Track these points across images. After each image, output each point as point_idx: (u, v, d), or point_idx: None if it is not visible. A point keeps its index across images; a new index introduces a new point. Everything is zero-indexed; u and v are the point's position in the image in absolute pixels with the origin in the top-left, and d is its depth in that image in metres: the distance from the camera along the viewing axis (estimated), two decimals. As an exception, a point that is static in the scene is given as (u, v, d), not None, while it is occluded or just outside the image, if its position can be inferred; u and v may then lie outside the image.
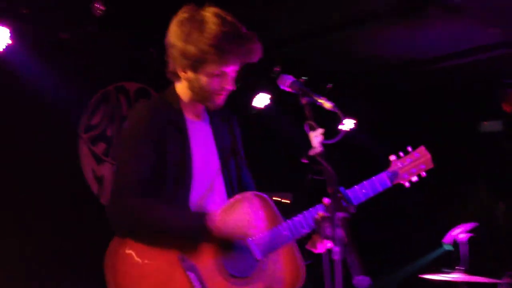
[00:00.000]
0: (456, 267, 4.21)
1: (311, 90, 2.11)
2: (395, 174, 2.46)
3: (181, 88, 2.41)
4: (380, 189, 2.42)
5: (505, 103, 6.06)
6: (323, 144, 1.83)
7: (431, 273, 4.33)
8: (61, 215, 4.70)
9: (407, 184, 2.50)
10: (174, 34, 2.30)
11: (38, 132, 4.64)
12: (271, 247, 2.28)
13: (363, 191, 2.40)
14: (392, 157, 2.50)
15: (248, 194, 2.38)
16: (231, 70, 2.31)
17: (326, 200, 2.29)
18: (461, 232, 4.36)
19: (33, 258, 4.47)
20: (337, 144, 1.94)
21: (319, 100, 2.05)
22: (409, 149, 2.52)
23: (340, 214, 1.44)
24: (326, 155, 1.76)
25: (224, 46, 2.21)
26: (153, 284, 2.16)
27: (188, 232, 2.20)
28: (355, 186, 2.40)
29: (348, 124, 6.67)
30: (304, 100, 2.08)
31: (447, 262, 4.49)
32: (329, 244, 2.41)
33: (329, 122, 2.19)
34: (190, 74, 2.31)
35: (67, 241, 4.69)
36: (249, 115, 5.95)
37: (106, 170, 5.18)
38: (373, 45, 5.53)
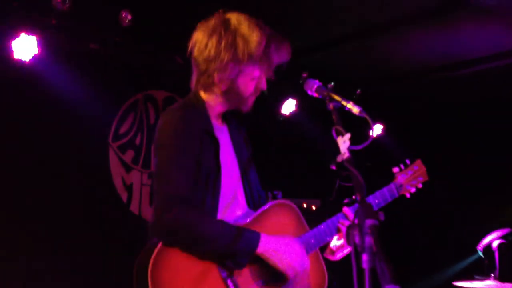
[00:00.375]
0: (491, 274, 4.11)
1: (339, 95, 2.07)
2: (400, 186, 2.59)
3: (209, 96, 2.41)
4: (389, 200, 2.55)
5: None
6: (351, 150, 1.79)
7: (464, 280, 4.24)
8: (91, 223, 4.76)
9: (408, 195, 2.63)
10: (214, 47, 2.29)
11: (67, 141, 4.70)
12: (306, 250, 2.33)
13: (376, 201, 2.53)
14: (395, 170, 2.62)
15: (276, 203, 2.41)
16: (267, 72, 2.39)
17: (345, 210, 2.44)
18: (495, 239, 4.26)
19: (64, 266, 4.53)
20: (367, 151, 1.91)
21: (347, 105, 2.02)
22: (408, 162, 2.65)
23: (369, 221, 1.41)
24: (355, 161, 1.73)
25: (270, 49, 2.30)
26: None
27: (238, 250, 2.18)
28: (370, 195, 2.51)
29: (376, 130, 6.61)
30: (331, 105, 2.05)
31: (481, 269, 4.39)
32: (346, 251, 2.47)
33: (359, 127, 2.18)
34: (229, 83, 2.33)
35: (98, 248, 4.74)
36: (277, 121, 5.95)
37: (135, 178, 5.22)
38: (403, 50, 5.46)
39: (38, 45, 4.15)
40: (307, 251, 2.33)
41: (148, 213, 5.25)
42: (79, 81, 4.65)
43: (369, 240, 1.38)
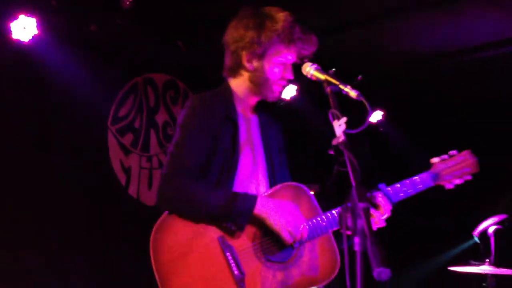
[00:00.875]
0: (486, 259, 4.14)
1: (337, 78, 2.07)
2: (437, 175, 2.48)
3: (237, 84, 2.57)
4: (422, 188, 2.46)
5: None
6: (346, 134, 1.80)
7: (460, 265, 4.27)
8: (90, 206, 4.77)
9: (448, 185, 2.51)
10: (243, 26, 2.48)
11: (66, 124, 4.70)
12: (309, 235, 2.34)
13: (404, 188, 2.44)
14: (434, 159, 2.52)
15: (289, 184, 2.47)
16: (292, 59, 2.47)
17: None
18: (491, 225, 4.28)
19: (62, 247, 4.54)
20: (366, 137, 1.91)
21: (345, 89, 2.02)
22: (453, 152, 2.53)
23: (362, 205, 1.42)
24: (350, 144, 1.73)
25: (294, 30, 2.44)
26: (193, 263, 2.28)
27: (234, 212, 2.28)
28: (396, 183, 2.44)
29: (375, 116, 6.61)
30: (328, 89, 2.05)
31: (476, 254, 4.43)
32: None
33: (358, 112, 2.17)
34: (255, 63, 2.48)
35: (96, 231, 4.76)
36: (277, 107, 5.94)
37: (133, 162, 5.23)
38: (404, 37, 5.44)
39: (38, 26, 4.14)
40: (317, 235, 2.35)
41: (146, 197, 5.27)
42: (79, 63, 4.62)
43: (361, 223, 1.39)
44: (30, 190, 4.42)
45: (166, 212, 2.34)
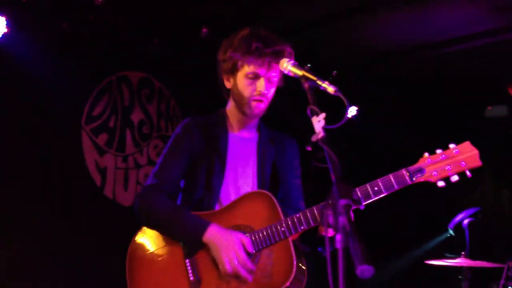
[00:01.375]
0: (461, 252, 4.20)
1: (314, 74, 2.06)
2: (418, 171, 2.19)
3: (230, 105, 2.68)
4: (396, 187, 2.19)
5: (511, 88, 6.00)
6: (325, 130, 1.79)
7: (435, 259, 4.33)
8: (64, 207, 4.69)
9: (440, 183, 2.18)
10: (221, 49, 2.64)
11: (39, 124, 4.60)
12: (265, 242, 2.35)
13: (375, 188, 2.20)
14: (426, 153, 2.22)
15: (251, 192, 2.52)
16: (263, 72, 2.50)
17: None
18: (465, 217, 4.34)
19: (36, 251, 4.45)
20: (343, 133, 1.91)
21: (322, 84, 1.99)
22: (451, 145, 2.22)
23: (343, 201, 1.41)
24: (329, 140, 1.73)
25: (250, 43, 2.48)
26: (157, 269, 2.46)
27: (184, 237, 2.45)
28: (367, 184, 2.23)
29: (351, 111, 6.64)
30: (306, 85, 2.03)
31: (451, 247, 4.49)
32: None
33: (336, 108, 2.15)
34: (231, 80, 2.60)
35: (71, 232, 4.68)
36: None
37: (109, 161, 5.16)
38: (377, 31, 5.47)
39: (7, 24, 4.05)
40: (274, 240, 2.34)
41: (122, 197, 5.21)
42: (51, 61, 4.55)
43: (342, 220, 1.38)
44: (1, 190, 4.32)
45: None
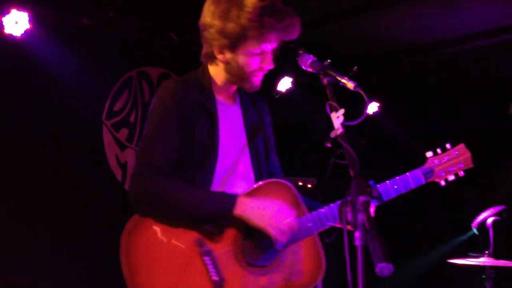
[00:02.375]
0: (485, 251, 4.12)
1: (334, 70, 2.03)
2: (430, 172, 2.35)
3: (215, 71, 2.36)
4: (412, 186, 2.32)
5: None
6: (345, 126, 1.75)
7: (459, 258, 4.25)
8: (85, 202, 4.73)
9: (442, 182, 2.38)
10: (210, 13, 2.23)
11: (60, 119, 4.65)
12: (293, 237, 2.17)
13: (395, 187, 2.29)
14: (429, 154, 2.38)
15: (273, 181, 2.30)
16: (270, 48, 2.25)
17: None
18: (489, 216, 4.26)
19: (61, 246, 4.51)
20: (363, 130, 1.87)
21: (342, 80, 1.96)
22: (448, 146, 2.39)
23: (362, 198, 1.38)
24: (348, 137, 1.69)
25: (264, 20, 2.14)
26: (168, 267, 2.12)
27: (212, 214, 2.12)
28: (387, 181, 2.30)
29: (372, 108, 6.58)
30: (325, 80, 2.00)
31: (475, 246, 4.41)
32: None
33: (355, 104, 2.12)
34: (228, 54, 2.25)
35: (92, 227, 4.72)
36: (273, 99, 5.90)
37: (129, 156, 5.19)
38: (398, 27, 5.40)
39: (30, 20, 4.09)
40: (301, 236, 2.20)
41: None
42: (72, 57, 4.57)
43: (361, 217, 1.35)
44: (24, 187, 4.38)
45: (134, 215, 2.20)
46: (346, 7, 4.98)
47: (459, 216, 5.62)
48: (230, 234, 2.18)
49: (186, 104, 2.25)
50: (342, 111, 1.82)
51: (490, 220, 4.27)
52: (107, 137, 5.05)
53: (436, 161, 2.37)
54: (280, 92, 5.81)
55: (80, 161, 4.75)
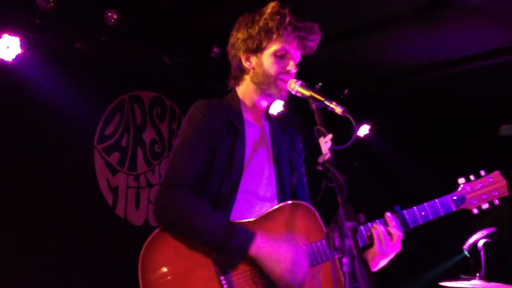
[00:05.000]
0: (476, 274, 4.12)
1: (322, 95, 2.04)
2: (461, 199, 2.29)
3: (243, 90, 2.46)
4: (442, 213, 2.28)
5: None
6: (332, 150, 1.76)
7: (450, 280, 4.25)
8: (76, 227, 4.69)
9: (475, 210, 2.31)
10: (236, 29, 2.42)
11: (52, 143, 4.64)
12: (312, 261, 2.16)
13: (423, 213, 2.26)
14: (461, 180, 2.33)
15: (295, 202, 2.28)
16: (293, 50, 2.35)
17: (387, 216, 2.26)
18: (480, 238, 4.27)
19: (49, 270, 4.46)
20: (355, 152, 1.88)
21: (330, 105, 1.98)
22: (482, 173, 2.34)
23: (349, 224, 1.38)
24: (336, 162, 1.71)
25: (283, 16, 2.31)
26: (184, 285, 2.11)
27: (227, 249, 2.11)
28: (414, 207, 2.27)
29: (362, 130, 6.62)
30: (314, 105, 2.02)
31: (467, 268, 4.41)
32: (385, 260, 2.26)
33: (345, 128, 2.13)
34: (253, 59, 2.38)
35: (82, 252, 4.68)
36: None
37: (120, 181, 5.17)
38: (388, 51, 5.47)
39: (21, 45, 4.10)
40: (321, 260, 2.18)
41: (133, 216, 5.20)
42: (64, 81, 4.59)
43: (349, 243, 1.35)
44: (13, 209, 4.34)
45: (157, 230, 2.19)
46: (336, 32, 5.04)
47: (451, 239, 5.62)
48: (250, 267, 2.16)
49: (215, 122, 2.32)
50: (330, 136, 1.82)
51: (481, 243, 4.28)
52: (98, 161, 5.03)
53: (468, 188, 2.31)
54: (271, 115, 5.83)
55: (72, 185, 4.72)
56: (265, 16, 2.34)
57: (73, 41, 4.55)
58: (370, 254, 2.25)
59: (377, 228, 2.22)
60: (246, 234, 2.12)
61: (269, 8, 2.35)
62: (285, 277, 2.09)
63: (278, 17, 2.31)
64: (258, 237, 2.12)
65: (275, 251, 2.11)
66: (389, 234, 2.22)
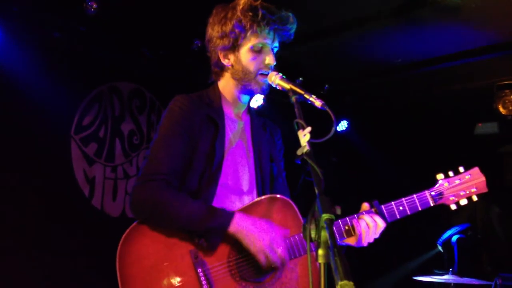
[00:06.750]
0: (450, 269, 4.19)
1: (302, 88, 2.05)
2: (439, 194, 2.31)
3: (223, 85, 2.46)
4: (419, 208, 2.30)
5: (500, 105, 6.04)
6: (311, 143, 1.77)
7: (424, 275, 4.31)
8: (52, 217, 4.63)
9: (453, 206, 2.33)
10: (211, 26, 2.39)
11: (28, 133, 4.57)
12: (290, 254, 2.19)
13: (400, 208, 2.28)
14: (440, 176, 2.36)
15: (273, 196, 2.30)
16: (270, 43, 2.33)
17: (366, 205, 2.30)
18: (454, 234, 4.34)
19: (24, 261, 4.40)
20: (333, 147, 1.89)
21: (310, 98, 1.99)
22: (461, 169, 2.36)
23: (326, 216, 1.39)
24: (315, 154, 1.71)
25: (258, 11, 2.27)
26: (161, 277, 2.12)
27: (208, 229, 2.13)
28: (392, 202, 2.29)
29: (342, 126, 6.67)
30: (293, 98, 2.02)
31: (440, 264, 4.48)
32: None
33: (325, 122, 2.14)
34: (232, 57, 2.37)
35: (58, 243, 4.63)
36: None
37: (98, 172, 5.11)
38: (367, 48, 5.50)
39: (-1, 34, 4.05)
40: (299, 253, 2.19)
41: (110, 208, 5.16)
42: (42, 71, 4.52)
43: (324, 234, 1.36)
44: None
45: (135, 222, 2.20)
46: (318, 28, 5.06)
47: (425, 234, 5.70)
48: (225, 247, 2.19)
49: (194, 118, 2.31)
50: (309, 129, 1.83)
51: (455, 238, 4.35)
52: (75, 151, 4.97)
53: (446, 184, 2.32)
54: (253, 110, 5.83)
55: (47, 176, 4.66)
56: (237, 13, 2.30)
57: (52, 30, 4.49)
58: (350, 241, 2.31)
59: (365, 218, 2.27)
60: (226, 212, 2.16)
61: (241, 4, 2.30)
62: (265, 250, 2.12)
63: (251, 13, 2.27)
64: (237, 214, 2.16)
65: (255, 227, 2.14)
66: (375, 222, 2.25)
